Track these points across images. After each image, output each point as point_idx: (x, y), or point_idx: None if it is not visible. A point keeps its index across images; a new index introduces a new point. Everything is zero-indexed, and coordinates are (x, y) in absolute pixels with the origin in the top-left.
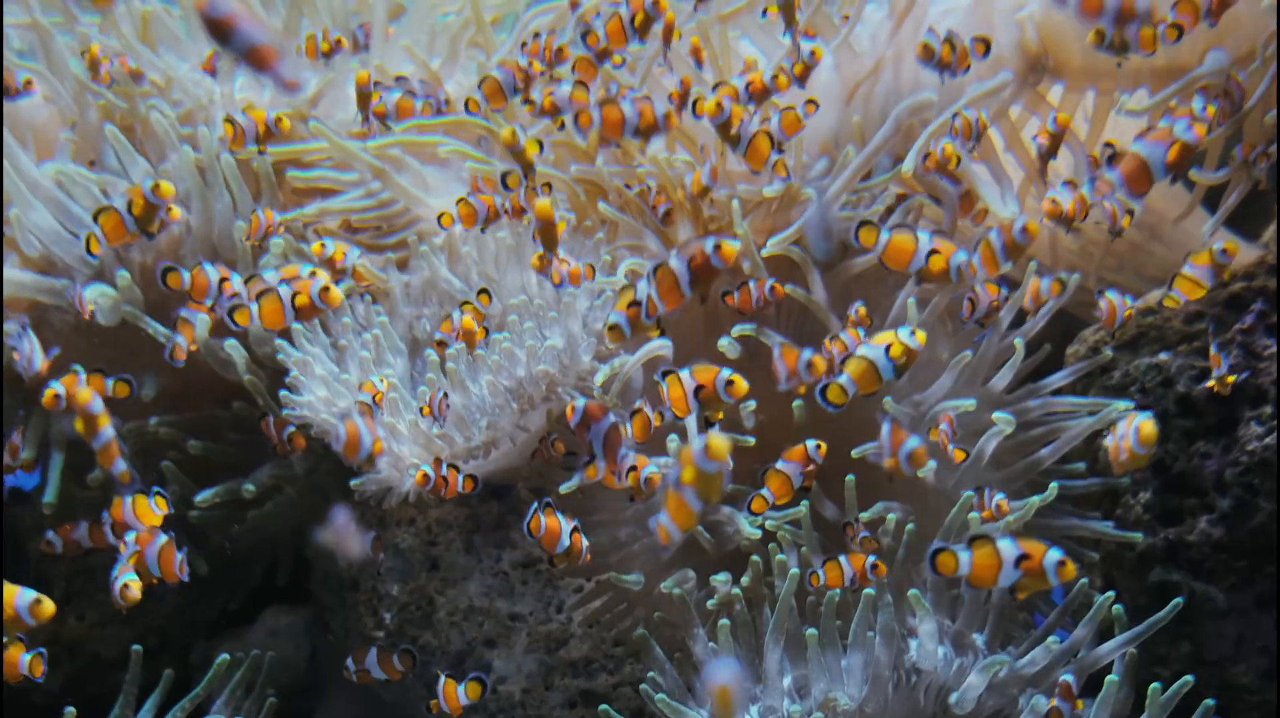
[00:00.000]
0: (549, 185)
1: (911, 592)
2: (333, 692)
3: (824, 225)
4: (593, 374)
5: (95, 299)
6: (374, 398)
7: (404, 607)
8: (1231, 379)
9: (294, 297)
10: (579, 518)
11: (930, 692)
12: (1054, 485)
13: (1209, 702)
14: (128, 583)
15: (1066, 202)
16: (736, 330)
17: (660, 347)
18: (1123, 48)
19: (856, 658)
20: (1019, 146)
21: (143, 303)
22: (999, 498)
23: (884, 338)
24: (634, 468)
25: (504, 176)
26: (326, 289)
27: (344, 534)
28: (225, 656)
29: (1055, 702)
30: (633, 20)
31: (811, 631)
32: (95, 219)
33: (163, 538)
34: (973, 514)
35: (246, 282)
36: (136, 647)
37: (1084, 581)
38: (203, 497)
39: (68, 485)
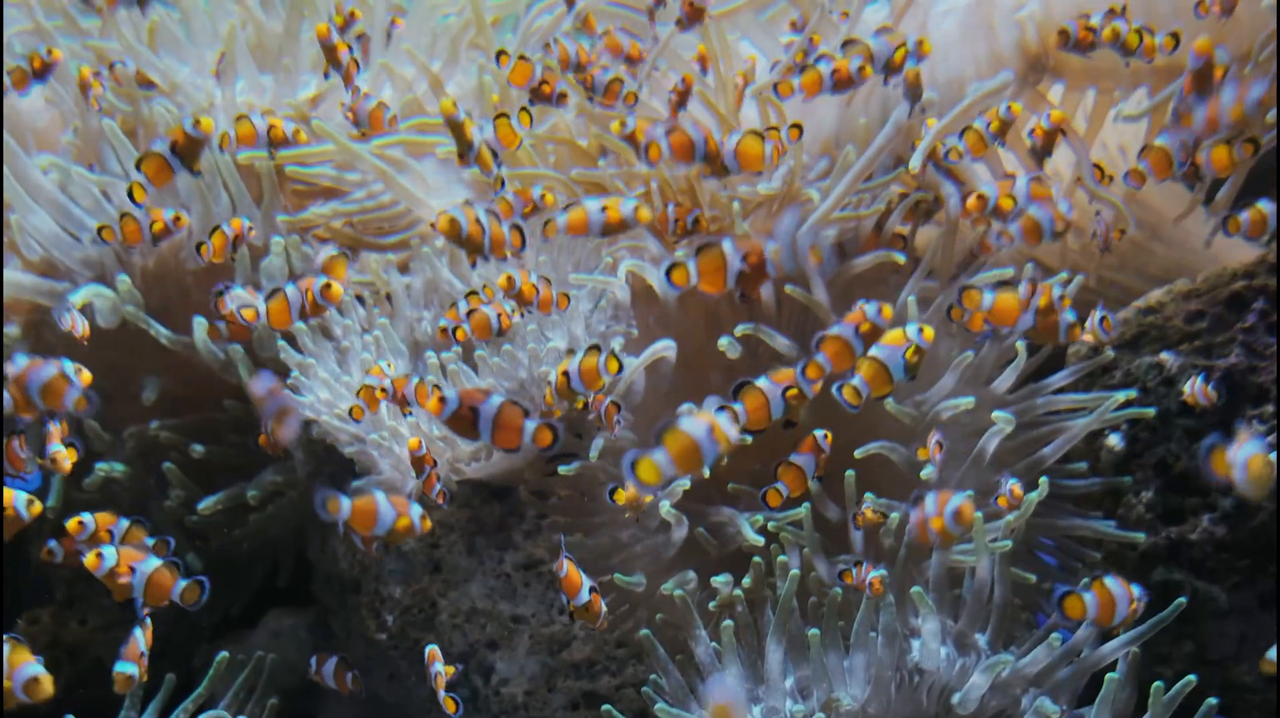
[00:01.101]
0: (501, 180)
1: (914, 589)
2: (334, 694)
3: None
4: None
5: (91, 299)
6: (378, 389)
7: (406, 609)
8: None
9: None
10: (579, 519)
11: (933, 692)
12: (1044, 481)
13: (1211, 701)
14: (118, 673)
15: (994, 197)
16: (739, 330)
17: (664, 348)
18: (1128, 49)
19: (859, 658)
20: (1019, 145)
21: (144, 306)
22: (1012, 483)
23: (893, 338)
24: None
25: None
26: (329, 286)
27: (271, 403)
28: (224, 653)
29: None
30: None
31: (814, 631)
32: (138, 166)
33: (155, 562)
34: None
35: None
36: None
37: (1087, 580)
38: (205, 504)
39: (66, 489)
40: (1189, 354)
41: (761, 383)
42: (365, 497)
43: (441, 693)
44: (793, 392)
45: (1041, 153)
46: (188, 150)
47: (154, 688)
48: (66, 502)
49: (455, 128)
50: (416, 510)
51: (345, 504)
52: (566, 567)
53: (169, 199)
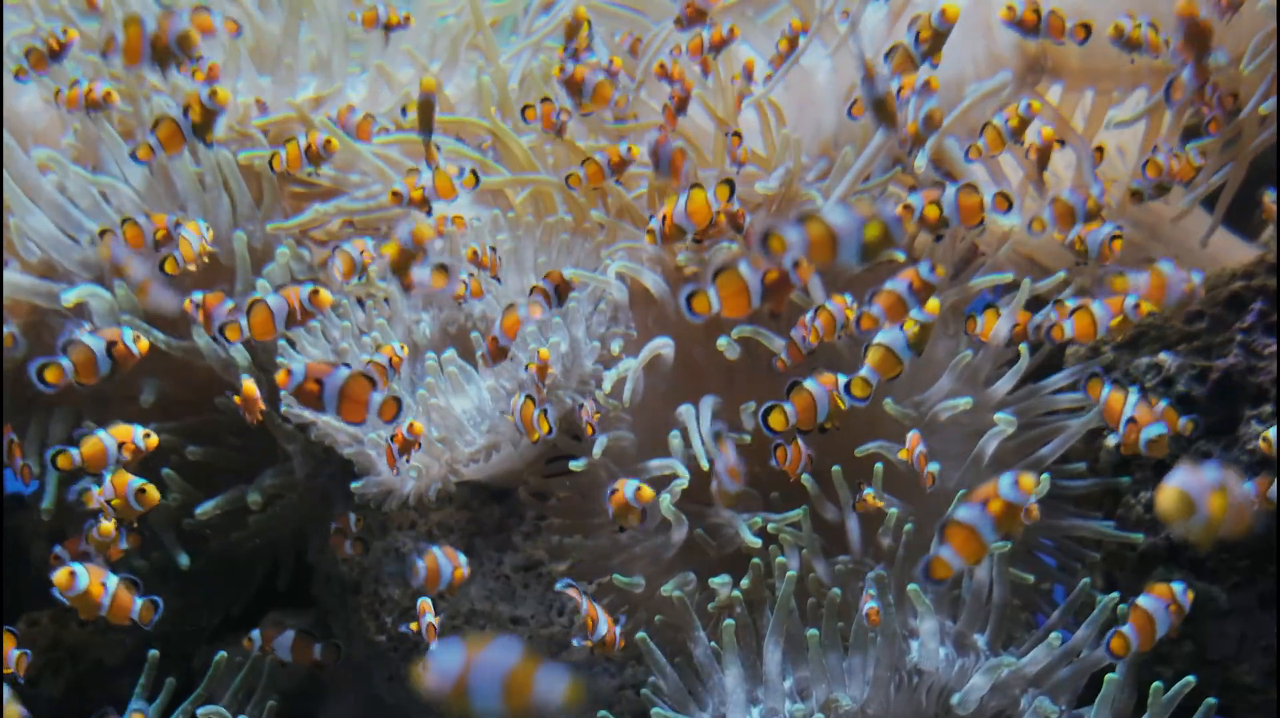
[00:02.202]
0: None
1: (911, 587)
2: (334, 696)
3: None
4: (595, 379)
5: (86, 299)
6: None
7: (406, 611)
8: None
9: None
10: (579, 520)
11: (932, 693)
12: (1045, 478)
13: (1210, 701)
14: None
15: (920, 206)
16: (736, 332)
17: (661, 345)
18: (1134, 46)
19: (858, 659)
20: (1017, 146)
21: (142, 310)
22: (1030, 503)
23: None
24: (615, 491)
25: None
26: (316, 293)
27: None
28: (223, 653)
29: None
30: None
31: (813, 632)
32: (152, 129)
33: (115, 580)
34: None
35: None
36: (153, 652)
37: (1086, 580)
38: (203, 509)
39: (61, 490)
40: (1188, 354)
41: (810, 384)
42: (429, 556)
43: (433, 643)
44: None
45: (1039, 164)
46: (202, 121)
47: (155, 689)
48: (61, 505)
49: (425, 107)
50: (463, 559)
51: (422, 566)
52: (585, 604)
53: (167, 199)
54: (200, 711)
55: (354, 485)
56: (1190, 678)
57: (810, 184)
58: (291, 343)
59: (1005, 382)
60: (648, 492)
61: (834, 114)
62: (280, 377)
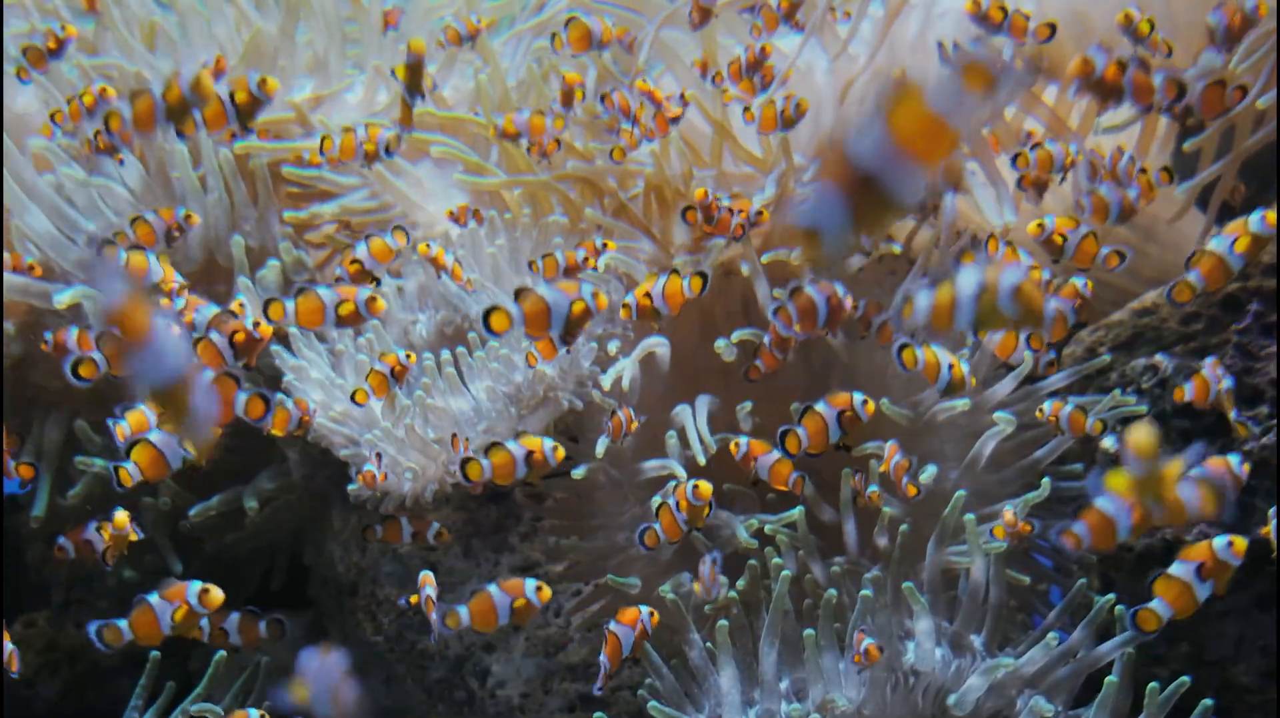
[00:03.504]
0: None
1: (906, 584)
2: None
3: None
4: (592, 379)
5: (80, 300)
6: (394, 370)
7: (402, 612)
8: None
9: (339, 304)
10: (576, 522)
11: (929, 693)
12: (1046, 481)
13: (1207, 702)
14: None
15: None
16: (736, 335)
17: (655, 343)
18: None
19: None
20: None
21: None
22: (1020, 524)
23: (953, 358)
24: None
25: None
26: (373, 299)
27: None
28: (221, 653)
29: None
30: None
31: (809, 632)
32: (194, 92)
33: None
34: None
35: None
36: (155, 653)
37: (1083, 581)
38: (196, 510)
39: (53, 496)
40: (1184, 356)
41: (820, 407)
42: (480, 596)
43: (434, 615)
44: (847, 416)
45: (1038, 193)
46: (246, 107)
47: (155, 691)
48: (53, 510)
49: (414, 69)
50: (531, 584)
51: (464, 613)
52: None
53: (164, 199)
54: (194, 708)
55: (351, 488)
56: (1186, 678)
57: (806, 184)
58: (286, 344)
59: (1005, 384)
60: (705, 487)
61: (831, 114)
62: None
